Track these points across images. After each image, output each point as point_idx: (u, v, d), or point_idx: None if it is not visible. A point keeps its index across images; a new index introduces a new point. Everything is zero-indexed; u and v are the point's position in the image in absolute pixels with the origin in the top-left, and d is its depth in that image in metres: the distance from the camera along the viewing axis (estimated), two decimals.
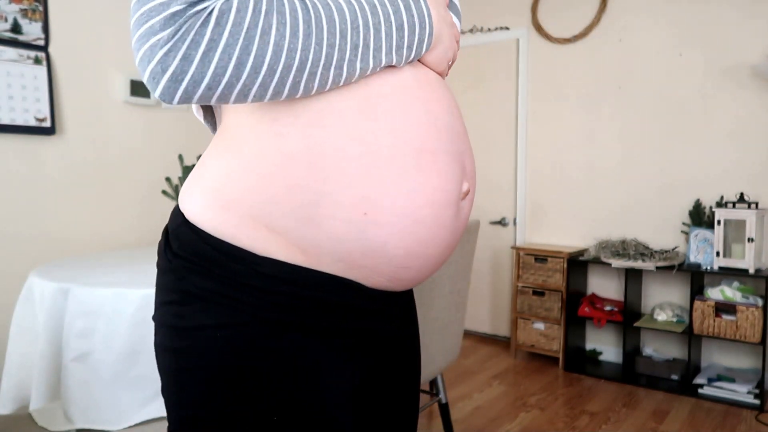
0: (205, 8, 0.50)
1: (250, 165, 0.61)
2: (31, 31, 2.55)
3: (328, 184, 0.59)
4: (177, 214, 0.66)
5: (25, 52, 2.53)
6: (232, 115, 0.64)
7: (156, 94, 0.52)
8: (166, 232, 0.67)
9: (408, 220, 0.62)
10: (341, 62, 0.57)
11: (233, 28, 0.51)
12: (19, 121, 2.51)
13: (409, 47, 0.63)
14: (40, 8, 2.58)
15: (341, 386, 0.65)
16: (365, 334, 0.67)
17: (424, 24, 0.64)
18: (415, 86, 0.65)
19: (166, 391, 0.65)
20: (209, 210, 0.63)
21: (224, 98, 0.54)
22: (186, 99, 0.53)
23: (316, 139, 0.59)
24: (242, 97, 0.54)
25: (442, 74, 0.71)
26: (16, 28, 2.50)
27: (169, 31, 0.50)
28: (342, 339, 0.66)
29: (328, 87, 0.58)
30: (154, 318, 0.68)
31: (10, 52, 2.48)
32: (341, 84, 0.59)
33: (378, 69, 0.61)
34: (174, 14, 0.50)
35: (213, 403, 0.62)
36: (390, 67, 0.64)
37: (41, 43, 2.59)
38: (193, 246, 0.63)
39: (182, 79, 0.51)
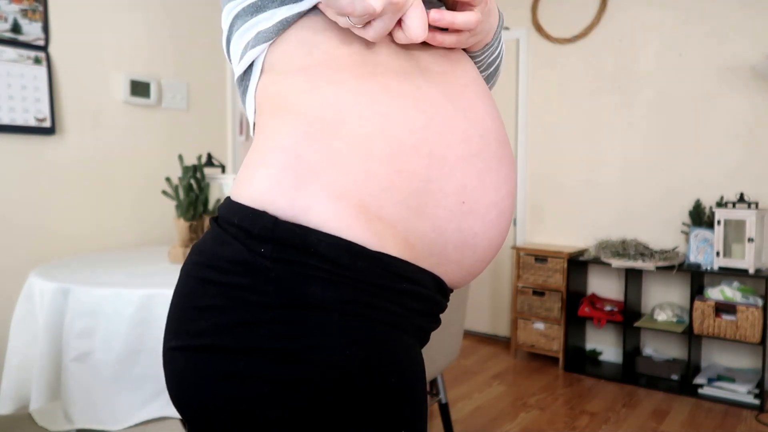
0: None
1: (355, 148, 0.54)
2: (31, 31, 2.55)
3: (433, 171, 0.57)
4: (255, 212, 0.54)
5: (25, 52, 2.53)
6: (312, 94, 0.57)
7: None
8: (245, 235, 0.54)
9: (496, 210, 0.61)
10: None
11: None
12: (19, 121, 2.51)
13: None
14: (40, 8, 2.58)
15: (426, 388, 0.64)
16: (431, 331, 0.67)
17: None
18: (478, 78, 0.65)
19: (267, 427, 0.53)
20: (315, 200, 0.54)
21: None
22: None
23: (418, 123, 0.56)
24: None
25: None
26: (16, 28, 2.50)
27: None
28: (426, 337, 0.65)
29: None
30: (205, 345, 0.54)
31: (10, 52, 2.48)
32: None
33: None
34: None
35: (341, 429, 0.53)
36: (446, 51, 0.63)
37: (41, 43, 2.59)
38: (304, 246, 0.52)
39: None
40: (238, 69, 0.64)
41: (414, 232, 0.57)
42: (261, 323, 0.52)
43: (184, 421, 0.58)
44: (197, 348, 0.54)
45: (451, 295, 0.64)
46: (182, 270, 0.59)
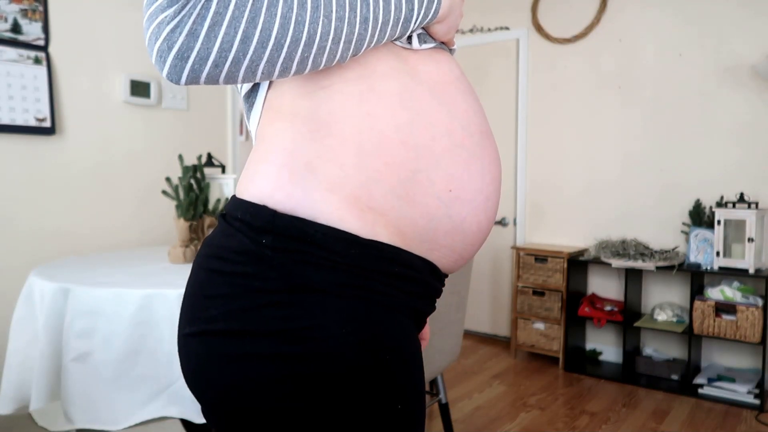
0: None
1: (346, 144, 0.59)
2: (31, 31, 2.55)
3: (420, 162, 0.61)
4: (256, 206, 0.59)
5: (25, 52, 2.53)
6: (307, 99, 0.61)
7: (163, 73, 0.51)
8: (248, 227, 0.59)
9: (482, 196, 0.65)
10: (350, 36, 0.56)
11: (239, 1, 0.49)
12: (19, 121, 2.51)
13: (416, 20, 0.63)
14: (40, 8, 2.58)
15: (422, 367, 0.68)
16: (428, 315, 0.71)
17: None
18: (462, 76, 0.69)
19: (264, 400, 0.56)
20: (310, 193, 0.58)
21: (232, 77, 0.52)
22: (193, 78, 0.51)
23: (404, 119, 0.61)
24: (250, 75, 0.52)
25: (450, 43, 0.72)
26: (16, 28, 2.50)
27: (175, 7, 0.48)
28: (422, 320, 0.69)
29: (335, 62, 0.57)
30: (217, 330, 0.58)
31: (10, 52, 2.48)
32: (347, 59, 0.58)
33: (382, 43, 0.61)
34: None
35: (339, 405, 0.56)
36: (431, 52, 0.67)
37: (41, 43, 2.59)
38: (301, 236, 0.57)
39: (188, 57, 0.49)
40: (244, 88, 0.68)
41: (405, 219, 0.61)
42: (264, 307, 0.56)
43: (200, 404, 0.62)
44: (209, 333, 0.58)
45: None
46: (194, 263, 0.64)
